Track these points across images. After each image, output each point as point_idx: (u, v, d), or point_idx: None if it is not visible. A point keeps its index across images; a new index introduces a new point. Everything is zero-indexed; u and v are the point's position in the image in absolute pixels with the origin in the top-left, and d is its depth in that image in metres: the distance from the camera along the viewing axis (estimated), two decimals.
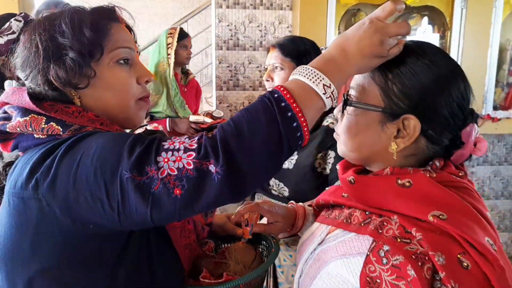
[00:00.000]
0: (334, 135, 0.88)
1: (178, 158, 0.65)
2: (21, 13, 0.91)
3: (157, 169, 0.65)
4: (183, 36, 2.81)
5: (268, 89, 1.59)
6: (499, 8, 2.78)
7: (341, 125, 0.84)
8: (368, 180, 0.77)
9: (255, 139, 0.65)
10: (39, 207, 0.70)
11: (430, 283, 0.61)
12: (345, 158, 0.86)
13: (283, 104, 0.66)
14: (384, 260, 0.66)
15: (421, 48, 0.78)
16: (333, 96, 0.71)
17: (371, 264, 0.67)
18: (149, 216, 0.65)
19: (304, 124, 0.67)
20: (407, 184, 0.72)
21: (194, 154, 0.65)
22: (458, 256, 0.63)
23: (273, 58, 1.61)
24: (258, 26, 2.96)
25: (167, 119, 2.72)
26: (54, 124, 0.75)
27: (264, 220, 1.06)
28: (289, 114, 0.66)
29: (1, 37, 0.85)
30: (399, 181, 0.73)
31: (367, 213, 0.77)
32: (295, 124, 0.66)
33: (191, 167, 0.64)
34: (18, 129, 0.77)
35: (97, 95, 0.81)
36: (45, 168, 0.70)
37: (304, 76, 0.70)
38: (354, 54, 0.72)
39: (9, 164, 0.87)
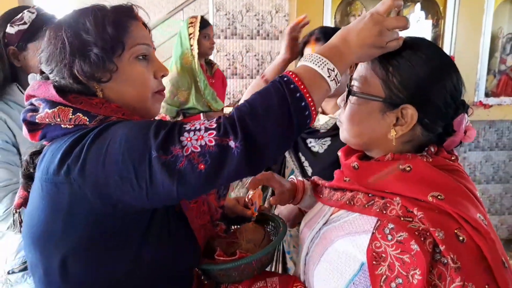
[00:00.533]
0: (337, 122, 0.94)
1: (200, 137, 0.72)
2: (35, 6, 0.96)
3: (181, 147, 0.72)
4: (204, 25, 2.66)
5: None
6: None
7: (344, 113, 0.90)
8: (371, 165, 0.84)
9: (269, 117, 0.73)
10: (71, 190, 0.76)
11: (431, 255, 0.69)
12: (347, 143, 0.93)
13: (292, 86, 0.74)
14: (389, 237, 0.74)
15: (417, 43, 0.85)
16: (337, 80, 0.79)
17: (377, 241, 0.74)
18: (175, 191, 0.72)
19: (312, 103, 0.75)
20: (408, 168, 0.80)
21: (214, 132, 0.72)
22: (455, 231, 0.71)
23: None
24: (255, 15, 3.00)
25: (201, 114, 2.66)
26: (81, 115, 0.81)
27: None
28: (298, 94, 0.74)
29: (12, 26, 0.89)
30: (400, 166, 0.80)
31: (369, 195, 0.84)
32: (303, 104, 0.74)
33: (213, 143, 0.71)
34: (47, 119, 0.82)
35: (118, 88, 0.87)
36: (75, 155, 0.76)
37: (311, 62, 0.78)
38: (355, 43, 0.80)
39: (36, 153, 0.93)
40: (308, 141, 1.60)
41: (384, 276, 0.72)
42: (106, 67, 0.84)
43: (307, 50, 1.61)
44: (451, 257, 0.67)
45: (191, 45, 2.58)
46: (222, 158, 0.71)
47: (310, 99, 0.75)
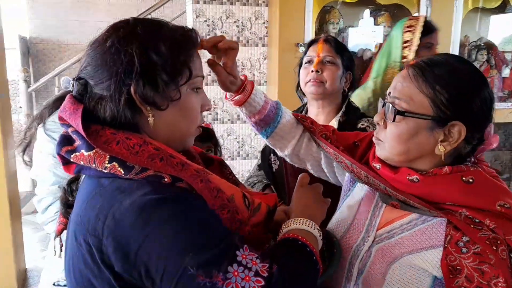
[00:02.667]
0: (374, 140, 0.95)
1: (247, 278, 0.69)
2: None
3: (225, 278, 0.68)
4: (429, 29, 1.87)
5: (310, 80, 1.61)
6: (459, 7, 3.00)
7: (386, 132, 0.91)
8: (434, 179, 0.86)
9: (302, 280, 0.78)
10: (101, 257, 0.73)
11: (507, 261, 0.72)
12: (387, 161, 0.93)
13: (308, 249, 0.83)
14: (464, 250, 0.77)
15: (459, 61, 0.89)
16: (321, 235, 0.91)
17: (451, 255, 0.77)
18: None
19: (321, 267, 0.84)
20: (471, 180, 0.83)
21: (262, 282, 0.70)
22: None
23: (326, 51, 1.61)
24: (235, 21, 2.99)
25: None
26: (116, 165, 0.75)
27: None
28: (314, 258, 0.82)
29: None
30: (464, 178, 0.83)
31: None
32: (318, 267, 0.82)
33: None
34: (82, 162, 0.77)
35: (171, 118, 0.82)
36: (112, 220, 0.72)
37: (307, 226, 0.89)
38: (309, 205, 0.98)
39: (74, 180, 0.88)
40: None
41: None
42: (169, 94, 0.79)
43: (313, 48, 1.64)
44: None
45: (404, 58, 1.84)
46: None
47: (319, 261, 0.83)
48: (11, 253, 2.65)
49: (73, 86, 0.82)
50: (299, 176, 1.03)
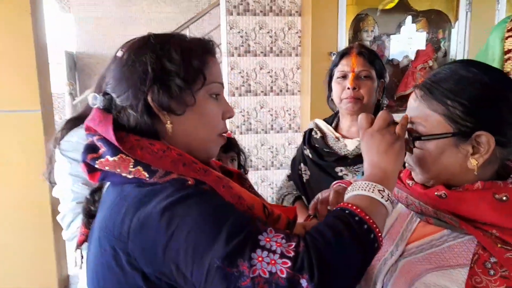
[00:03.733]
0: (406, 165, 0.91)
1: (273, 262, 0.66)
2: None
3: (250, 266, 0.66)
4: None
5: (347, 98, 1.56)
6: (501, 11, 2.88)
7: (413, 158, 0.87)
8: (461, 195, 0.81)
9: (346, 262, 0.69)
10: (128, 260, 0.74)
11: None
12: (424, 184, 0.89)
13: (357, 218, 0.72)
14: (491, 272, 0.72)
15: (465, 67, 0.83)
16: (391, 199, 0.78)
17: (477, 276, 0.73)
18: None
19: (379, 233, 0.73)
20: (504, 198, 0.77)
21: (289, 263, 0.66)
22: None
23: (360, 65, 1.55)
24: (268, 32, 3.01)
25: None
26: (141, 169, 0.77)
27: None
28: (365, 226, 0.71)
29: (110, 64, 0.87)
30: (497, 196, 0.78)
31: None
32: (372, 236, 0.72)
33: (284, 275, 0.65)
34: (107, 168, 0.79)
35: (189, 124, 0.84)
36: (137, 223, 0.73)
37: (361, 189, 0.77)
38: (383, 162, 0.81)
39: (96, 190, 0.90)
40: (338, 169, 1.57)
41: None
42: (184, 99, 0.81)
43: (346, 62, 1.60)
44: None
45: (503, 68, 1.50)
46: None
47: (377, 230, 0.73)
48: (53, 259, 2.76)
49: (98, 101, 0.85)
50: (359, 116, 0.91)
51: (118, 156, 0.78)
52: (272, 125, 3.10)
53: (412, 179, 0.90)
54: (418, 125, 0.85)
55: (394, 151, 0.82)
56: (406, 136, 0.86)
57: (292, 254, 0.67)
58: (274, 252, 0.67)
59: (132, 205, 0.75)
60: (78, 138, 1.34)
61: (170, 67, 0.80)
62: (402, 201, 0.93)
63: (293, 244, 0.68)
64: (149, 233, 0.71)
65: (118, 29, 6.09)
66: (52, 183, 1.47)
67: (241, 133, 3.05)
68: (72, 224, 1.44)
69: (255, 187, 3.16)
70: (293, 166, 1.84)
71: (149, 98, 0.79)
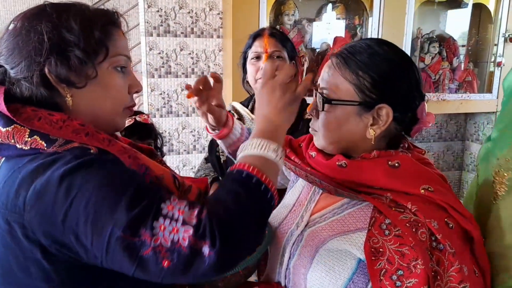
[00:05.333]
0: (311, 131, 0.95)
1: (175, 230, 0.65)
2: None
3: (152, 235, 0.65)
4: None
5: (261, 78, 1.56)
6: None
7: (319, 122, 0.91)
8: (360, 163, 0.86)
9: (246, 226, 0.70)
10: (24, 233, 0.70)
11: (426, 244, 0.72)
12: (324, 150, 0.93)
13: (254, 179, 0.72)
14: (387, 232, 0.77)
15: (378, 43, 0.89)
16: (282, 156, 0.79)
17: (374, 237, 0.77)
18: (132, 273, 0.66)
19: (275, 191, 0.75)
20: (396, 164, 0.83)
21: (191, 231, 0.65)
22: (445, 219, 0.77)
23: (273, 46, 1.57)
24: (189, 12, 2.93)
25: None
26: (38, 138, 0.73)
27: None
28: (263, 187, 0.73)
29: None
30: (390, 163, 0.83)
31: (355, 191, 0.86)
32: (269, 195, 0.73)
33: (186, 243, 0.65)
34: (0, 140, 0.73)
35: (91, 97, 0.80)
36: (34, 192, 0.69)
37: (255, 149, 0.77)
38: (274, 115, 0.81)
39: None
40: None
41: (384, 270, 0.75)
42: (84, 71, 0.77)
43: (259, 43, 1.62)
44: (448, 244, 0.72)
45: None
46: (190, 262, 0.65)
47: (273, 188, 0.74)
48: None
49: None
50: (265, 64, 0.91)
51: (12, 126, 0.73)
52: (193, 108, 3.04)
53: (315, 149, 0.94)
54: (330, 91, 0.89)
55: (291, 109, 0.83)
56: (319, 97, 0.88)
57: (194, 222, 0.66)
58: (177, 220, 0.66)
59: (28, 175, 0.70)
60: None
61: (69, 37, 0.75)
62: (302, 177, 0.96)
63: (196, 211, 0.67)
64: (46, 202, 0.67)
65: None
66: None
67: (161, 116, 2.96)
68: None
69: (177, 172, 3.09)
70: (211, 148, 1.84)
71: (46, 70, 0.74)
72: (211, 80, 1.07)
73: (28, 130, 0.73)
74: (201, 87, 1.04)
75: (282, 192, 1.21)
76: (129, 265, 0.65)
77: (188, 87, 1.04)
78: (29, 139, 0.72)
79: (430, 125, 0.94)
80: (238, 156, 0.79)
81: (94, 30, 0.78)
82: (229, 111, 1.77)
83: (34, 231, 0.69)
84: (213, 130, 1.16)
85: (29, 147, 0.73)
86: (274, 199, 0.74)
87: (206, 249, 0.65)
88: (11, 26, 0.78)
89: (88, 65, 0.77)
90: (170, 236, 0.65)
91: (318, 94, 0.90)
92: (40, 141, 0.72)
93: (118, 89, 0.83)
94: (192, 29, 2.94)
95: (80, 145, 0.73)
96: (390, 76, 0.86)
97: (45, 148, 0.72)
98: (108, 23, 0.81)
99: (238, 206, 0.70)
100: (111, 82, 0.82)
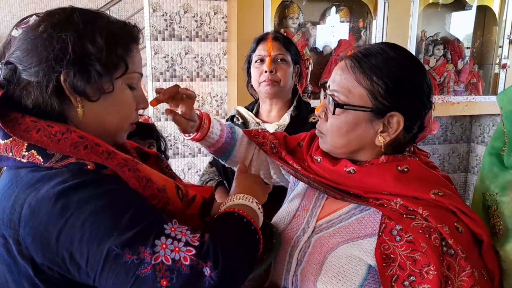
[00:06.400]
0: (317, 133, 0.94)
1: (177, 249, 0.67)
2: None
3: (152, 253, 0.65)
4: None
5: (264, 81, 1.60)
6: (416, 2, 3.04)
7: (327, 125, 0.90)
8: (369, 169, 0.85)
9: (242, 254, 0.75)
10: (18, 249, 0.70)
11: (439, 249, 0.72)
12: (330, 153, 0.93)
13: (245, 220, 0.81)
14: (398, 238, 0.76)
15: (393, 50, 0.88)
16: (261, 209, 0.90)
17: (385, 243, 0.76)
18: None
19: (262, 236, 0.83)
20: (406, 169, 0.82)
21: (194, 251, 0.67)
22: (455, 224, 0.76)
23: (276, 49, 1.59)
24: (194, 16, 2.94)
25: None
26: (35, 153, 0.73)
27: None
28: (253, 227, 0.81)
29: (17, 29, 0.78)
30: (399, 168, 0.83)
31: (364, 198, 0.85)
32: (257, 236, 0.81)
33: (187, 263, 0.66)
34: None
35: (101, 111, 0.80)
36: (29, 208, 0.69)
37: (240, 200, 0.88)
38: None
39: None
40: None
41: (395, 276, 0.74)
42: (101, 85, 0.77)
43: (262, 47, 1.62)
44: (460, 248, 0.72)
45: None
46: (190, 282, 0.65)
47: (259, 232, 0.82)
48: None
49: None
50: (238, 165, 1.07)
51: (11, 139, 0.73)
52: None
53: (320, 154, 0.93)
54: (342, 94, 0.87)
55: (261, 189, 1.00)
56: (330, 100, 0.87)
57: (197, 243, 0.68)
58: (179, 240, 0.68)
59: (23, 191, 0.70)
60: None
61: (92, 50, 0.75)
62: (304, 182, 0.96)
63: (198, 235, 0.70)
64: (41, 220, 0.67)
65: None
66: None
67: (166, 119, 2.97)
68: None
69: (182, 175, 3.09)
70: None
71: (61, 78, 0.74)
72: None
73: (26, 144, 0.72)
74: (167, 97, 1.04)
75: (280, 190, 1.21)
76: (124, 284, 0.65)
77: (158, 91, 1.04)
78: (27, 153, 0.72)
79: (434, 132, 0.94)
80: (222, 208, 0.86)
81: (117, 47, 0.78)
82: (233, 116, 1.78)
83: (28, 247, 0.69)
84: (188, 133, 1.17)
85: (27, 160, 0.72)
86: (261, 241, 0.81)
87: (207, 270, 0.66)
88: (32, 21, 0.76)
89: (106, 80, 0.78)
90: (171, 255, 0.66)
91: (328, 96, 0.88)
92: (37, 156, 0.72)
93: (128, 105, 0.84)
94: (197, 33, 2.95)
95: (77, 161, 0.73)
96: (404, 85, 0.84)
97: (42, 164, 0.72)
98: (130, 40, 0.82)
99: (235, 237, 0.76)
100: (122, 98, 0.82)
